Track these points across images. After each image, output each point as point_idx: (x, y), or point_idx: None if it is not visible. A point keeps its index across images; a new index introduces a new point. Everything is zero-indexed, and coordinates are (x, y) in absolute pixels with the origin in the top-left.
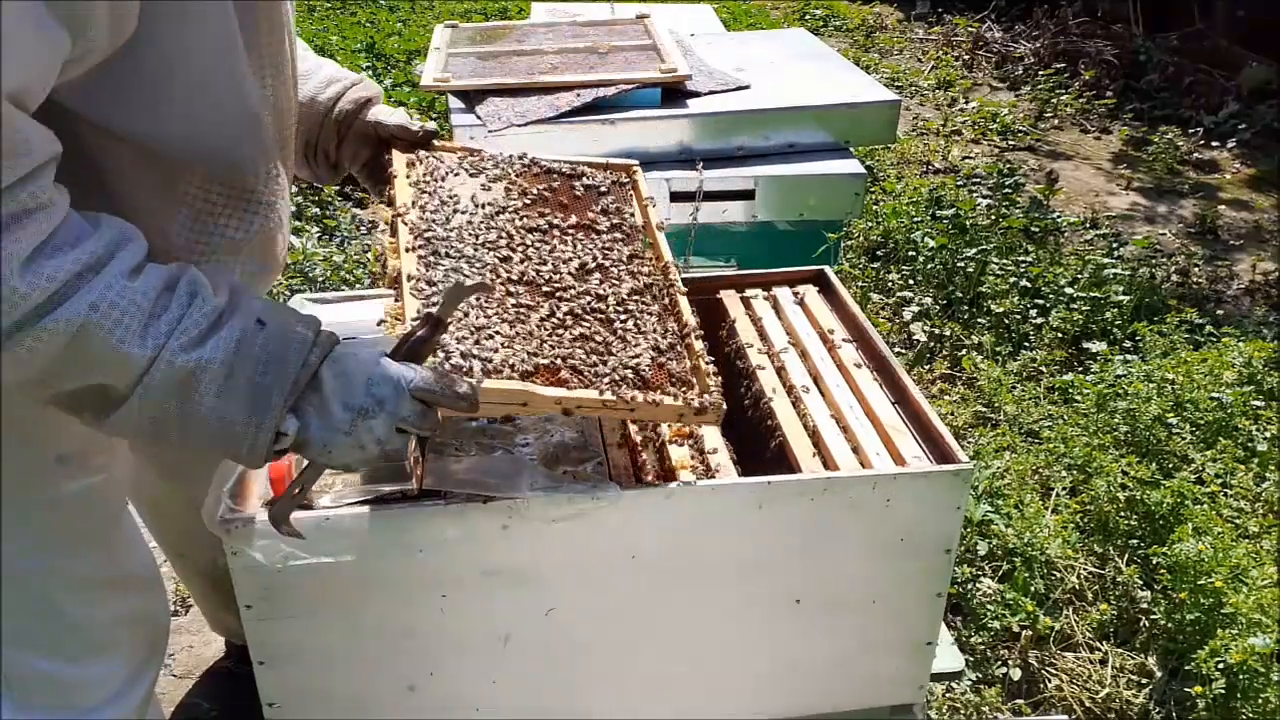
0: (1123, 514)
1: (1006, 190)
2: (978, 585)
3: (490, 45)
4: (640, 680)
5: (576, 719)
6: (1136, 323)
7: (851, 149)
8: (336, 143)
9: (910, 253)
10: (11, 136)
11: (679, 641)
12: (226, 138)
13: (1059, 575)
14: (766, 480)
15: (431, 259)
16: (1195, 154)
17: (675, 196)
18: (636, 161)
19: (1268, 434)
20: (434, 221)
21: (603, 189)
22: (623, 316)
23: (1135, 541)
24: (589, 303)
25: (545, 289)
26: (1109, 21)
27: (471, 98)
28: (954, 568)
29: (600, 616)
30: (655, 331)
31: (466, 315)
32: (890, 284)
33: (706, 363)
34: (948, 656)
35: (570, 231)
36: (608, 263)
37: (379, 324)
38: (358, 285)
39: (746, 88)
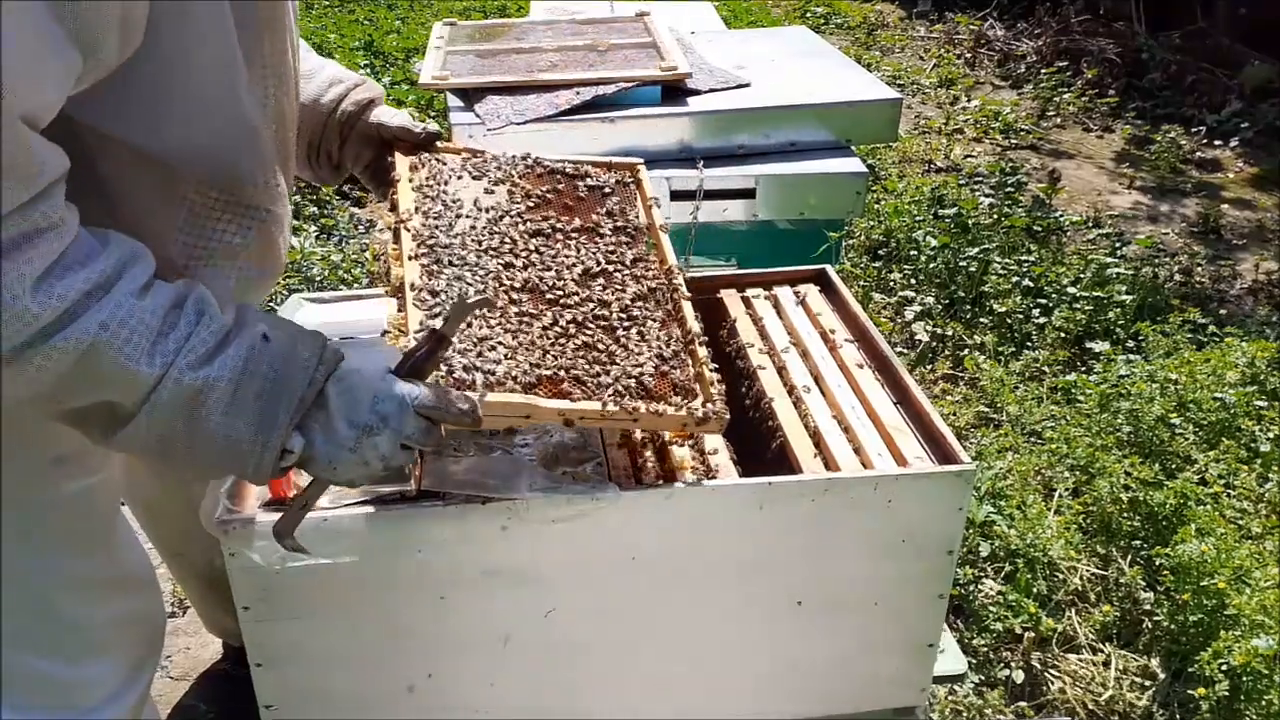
0: (1125, 515)
1: (1009, 189)
2: (980, 587)
3: (489, 43)
4: (640, 681)
5: (576, 719)
6: (1139, 322)
7: (853, 148)
8: (339, 144)
9: (912, 252)
10: (26, 156)
11: (679, 642)
12: (224, 150)
13: (1061, 576)
14: (767, 481)
15: (434, 267)
16: (1198, 153)
17: (676, 195)
18: (641, 160)
19: (1271, 434)
20: (437, 228)
21: (606, 190)
22: (626, 324)
23: (1138, 542)
24: (592, 309)
25: (549, 296)
26: (1111, 20)
27: (470, 95)
28: (956, 569)
29: (600, 617)
30: (659, 339)
31: (469, 326)
32: (892, 283)
33: (710, 370)
34: (950, 658)
35: (574, 235)
36: (611, 267)
37: (383, 335)
38: (356, 284)
39: (747, 86)
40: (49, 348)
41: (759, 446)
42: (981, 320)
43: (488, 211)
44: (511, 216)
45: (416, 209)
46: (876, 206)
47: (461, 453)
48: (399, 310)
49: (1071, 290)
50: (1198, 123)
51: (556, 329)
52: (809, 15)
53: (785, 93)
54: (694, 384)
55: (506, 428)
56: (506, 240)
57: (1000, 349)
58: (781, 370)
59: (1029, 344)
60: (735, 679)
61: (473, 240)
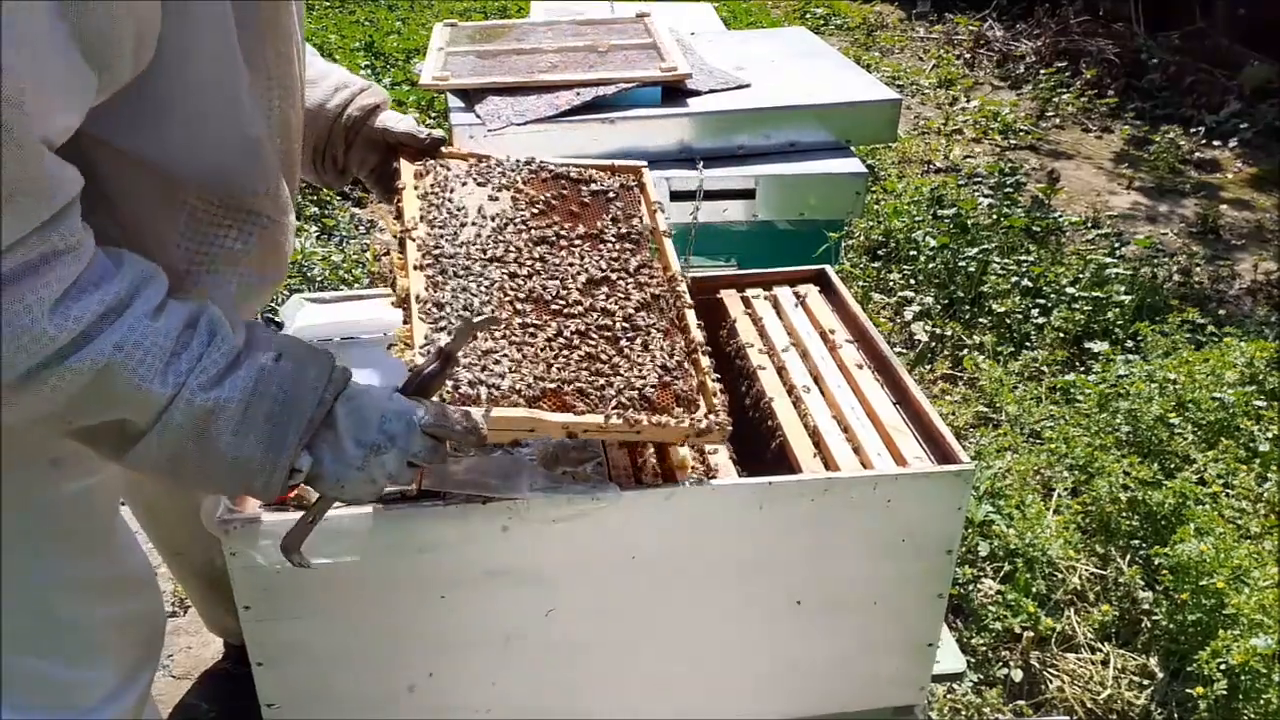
0: (1124, 514)
1: (1008, 189)
2: (979, 586)
3: (490, 44)
4: (640, 680)
5: (576, 719)
6: (1138, 322)
7: (852, 148)
8: (344, 149)
9: (911, 252)
10: (44, 177)
11: (679, 642)
12: (226, 160)
13: (1060, 576)
14: (767, 481)
15: (440, 278)
16: (1197, 153)
17: (675, 196)
18: (644, 164)
19: (1270, 434)
20: (442, 237)
21: (610, 194)
22: (629, 333)
23: (1137, 542)
24: (596, 319)
25: (553, 306)
26: (1110, 20)
27: (471, 96)
28: (955, 568)
29: (600, 617)
30: (661, 349)
31: (474, 339)
32: (891, 283)
33: (713, 380)
34: (949, 657)
35: (578, 243)
36: (615, 275)
37: (389, 348)
38: (356, 285)
39: (747, 86)
40: (64, 369)
41: (759, 446)
42: (980, 320)
43: (492, 219)
44: (516, 224)
45: (422, 218)
46: (876, 207)
47: (462, 453)
48: (405, 322)
49: (1070, 290)
50: (1197, 123)
51: (560, 340)
52: (809, 16)
53: (785, 93)
54: (696, 394)
55: (511, 440)
56: (511, 249)
57: (999, 349)
58: (781, 370)
59: (1028, 344)
60: (735, 679)
61: (477, 249)
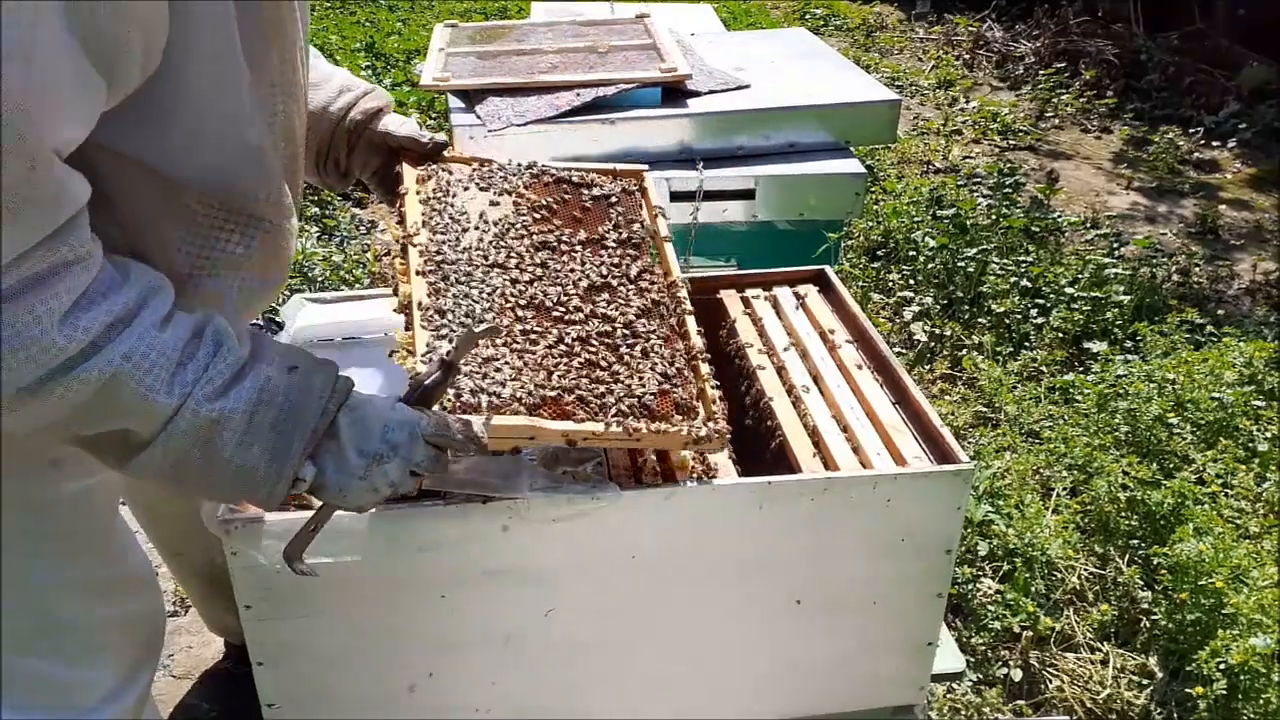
0: (1123, 514)
1: (1007, 190)
2: (978, 586)
3: (490, 45)
4: (640, 680)
5: (576, 719)
6: (1137, 323)
7: (852, 149)
8: (346, 152)
9: (911, 252)
10: (52, 187)
11: (679, 642)
12: (228, 166)
13: (1060, 576)
14: (767, 480)
15: (441, 285)
16: (1196, 154)
17: (675, 196)
18: (646, 167)
19: (1268, 434)
20: (444, 243)
21: (612, 199)
22: (630, 340)
23: (1136, 542)
24: (596, 326)
25: (554, 313)
26: (1109, 21)
27: (471, 97)
28: (954, 568)
29: (600, 616)
30: (662, 356)
31: (476, 348)
32: (891, 284)
33: (712, 387)
34: (948, 657)
35: (579, 248)
36: (615, 281)
37: (390, 355)
38: (357, 285)
39: (747, 87)
40: (71, 378)
41: (758, 446)
42: (980, 320)
43: (494, 225)
44: (517, 229)
45: (424, 223)
46: (875, 207)
47: (463, 457)
48: (406, 329)
49: (1069, 290)
50: (1196, 124)
51: (561, 347)
52: (808, 17)
53: (785, 94)
54: (696, 402)
55: (511, 448)
56: (513, 255)
57: (998, 349)
58: (781, 370)
59: (1027, 344)
60: (735, 679)
61: (479, 255)
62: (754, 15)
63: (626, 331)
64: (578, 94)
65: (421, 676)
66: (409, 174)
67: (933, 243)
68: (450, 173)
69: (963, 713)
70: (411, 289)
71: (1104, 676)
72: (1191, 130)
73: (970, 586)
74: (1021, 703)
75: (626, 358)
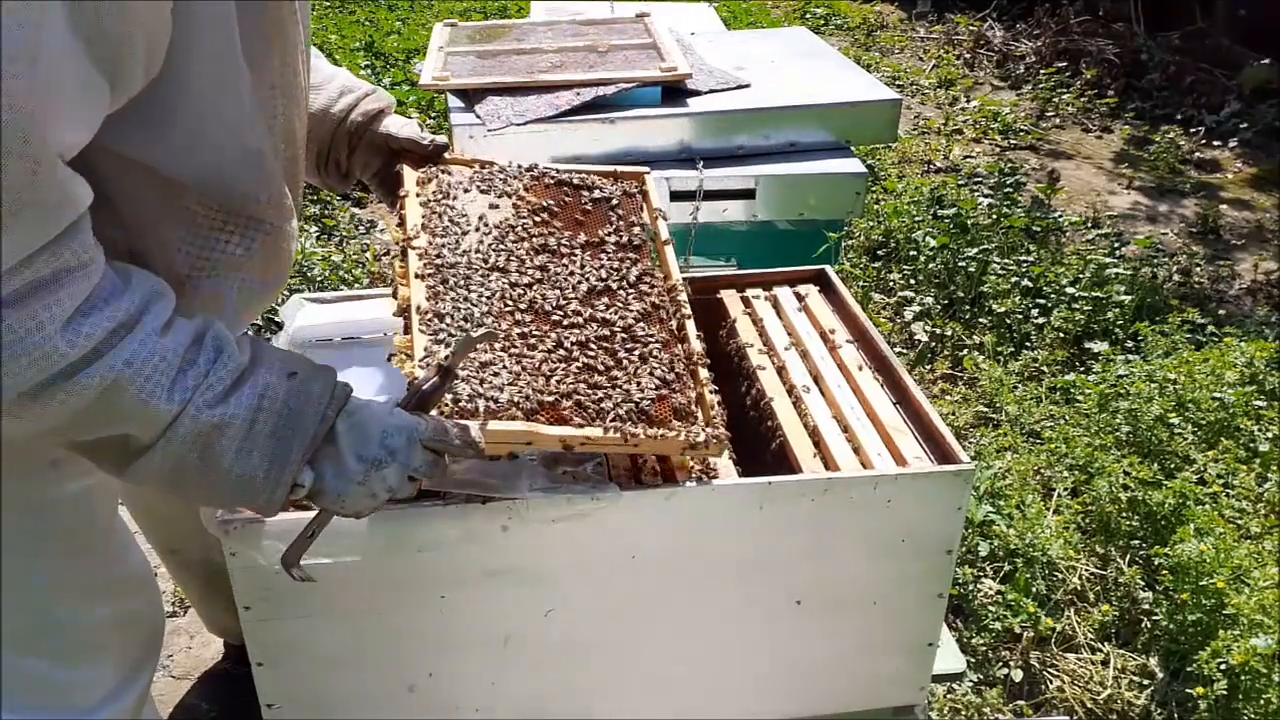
0: (1124, 514)
1: (1008, 189)
2: (979, 586)
3: (490, 44)
4: (640, 680)
5: (576, 719)
6: (1138, 322)
7: (852, 148)
8: (347, 153)
9: (911, 252)
10: (55, 191)
11: (679, 642)
12: (228, 168)
13: (1060, 576)
14: (767, 481)
15: (440, 288)
16: (1197, 153)
17: (675, 196)
18: (647, 170)
19: (1270, 434)
20: (444, 246)
21: (613, 202)
22: (629, 345)
23: (1137, 542)
24: (595, 330)
25: (553, 317)
26: (1110, 20)
27: (471, 96)
28: (955, 568)
29: (600, 617)
30: (661, 361)
31: (474, 352)
32: (891, 283)
33: (711, 392)
34: (949, 657)
35: (579, 251)
36: (615, 285)
37: (389, 359)
38: (356, 285)
39: (747, 87)
40: (72, 384)
41: (759, 446)
42: (980, 320)
43: (494, 228)
44: (517, 232)
45: (424, 226)
46: (876, 207)
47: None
48: (405, 333)
49: (1070, 290)
50: (1197, 123)
51: (560, 352)
52: (809, 16)
53: (785, 94)
54: (694, 407)
55: (508, 453)
56: (513, 258)
57: (999, 349)
58: (781, 370)
59: (1028, 344)
60: (735, 679)
61: (479, 258)
62: (754, 14)
63: (625, 336)
64: (577, 93)
65: (421, 676)
66: (409, 176)
67: (933, 242)
68: (450, 175)
69: (963, 713)
70: (410, 292)
71: (1105, 677)
72: (1192, 130)
73: (971, 587)
74: (1022, 703)
75: (625, 362)
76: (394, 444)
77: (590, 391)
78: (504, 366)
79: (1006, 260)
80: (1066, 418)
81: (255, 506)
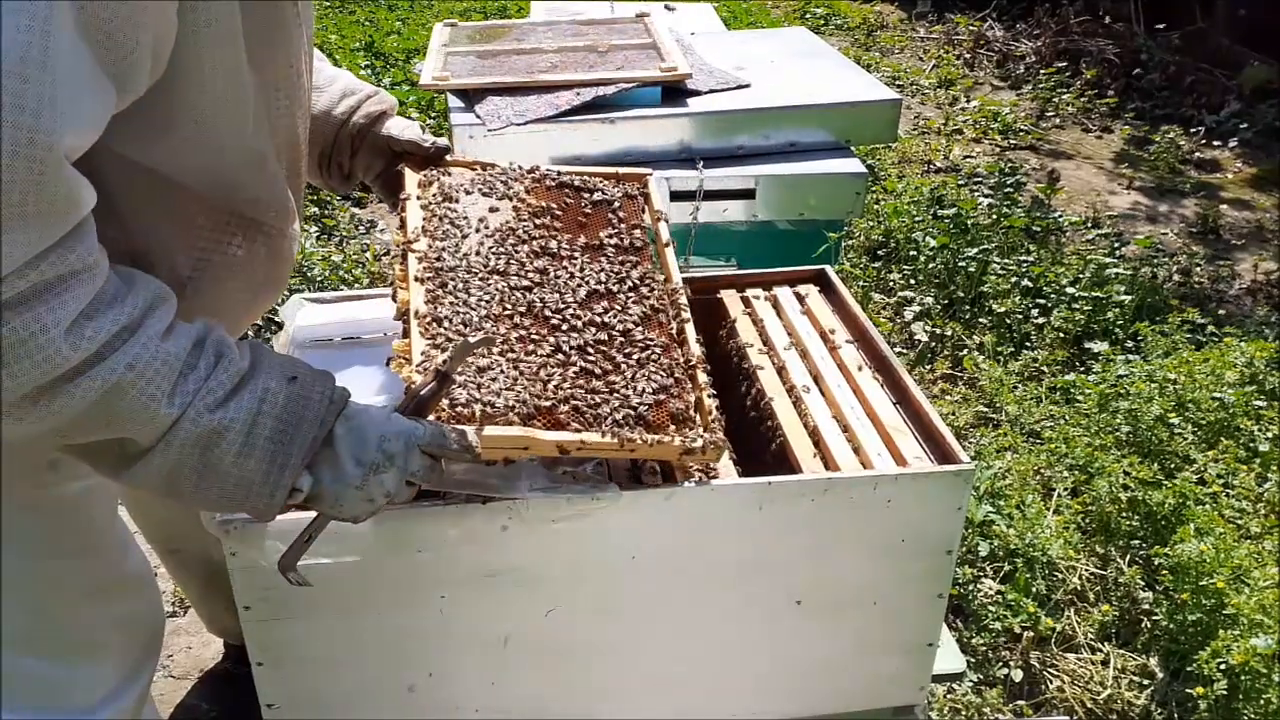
0: (1124, 514)
1: (1008, 189)
2: (979, 586)
3: (489, 44)
4: (640, 680)
5: (576, 719)
6: (1138, 322)
7: (852, 148)
8: (349, 155)
9: (911, 252)
10: (61, 193)
11: (679, 642)
12: (231, 172)
13: (1060, 576)
14: (767, 481)
15: (439, 292)
16: (1197, 153)
17: (675, 196)
18: (650, 172)
19: (1270, 434)
20: (444, 249)
21: (614, 204)
22: (627, 349)
23: (1137, 542)
24: (594, 334)
25: (552, 321)
26: (1110, 20)
27: (471, 96)
28: (955, 568)
29: (600, 617)
30: (660, 365)
31: (471, 356)
32: (891, 283)
33: (710, 397)
34: (949, 657)
35: (579, 254)
36: (615, 288)
37: (387, 363)
38: (356, 285)
39: (747, 87)
40: (74, 387)
41: (759, 446)
42: (980, 320)
43: (495, 231)
44: (518, 235)
45: (424, 230)
46: (876, 207)
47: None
48: (404, 336)
49: (1070, 290)
50: (1197, 123)
51: (558, 356)
52: (809, 16)
53: (785, 94)
54: (693, 412)
55: (504, 457)
56: (513, 261)
57: (999, 349)
58: (781, 370)
59: (1028, 344)
60: (735, 679)
61: (479, 261)
62: (754, 14)
63: (624, 340)
64: (577, 93)
65: (421, 676)
66: (410, 178)
67: (933, 242)
68: (451, 177)
69: (963, 713)
70: (409, 296)
71: (1105, 677)
72: (1192, 130)
73: (971, 587)
74: (1022, 703)
75: (623, 367)
76: (392, 449)
77: (588, 396)
78: (502, 371)
79: (1006, 260)
80: (1066, 418)
81: (253, 511)
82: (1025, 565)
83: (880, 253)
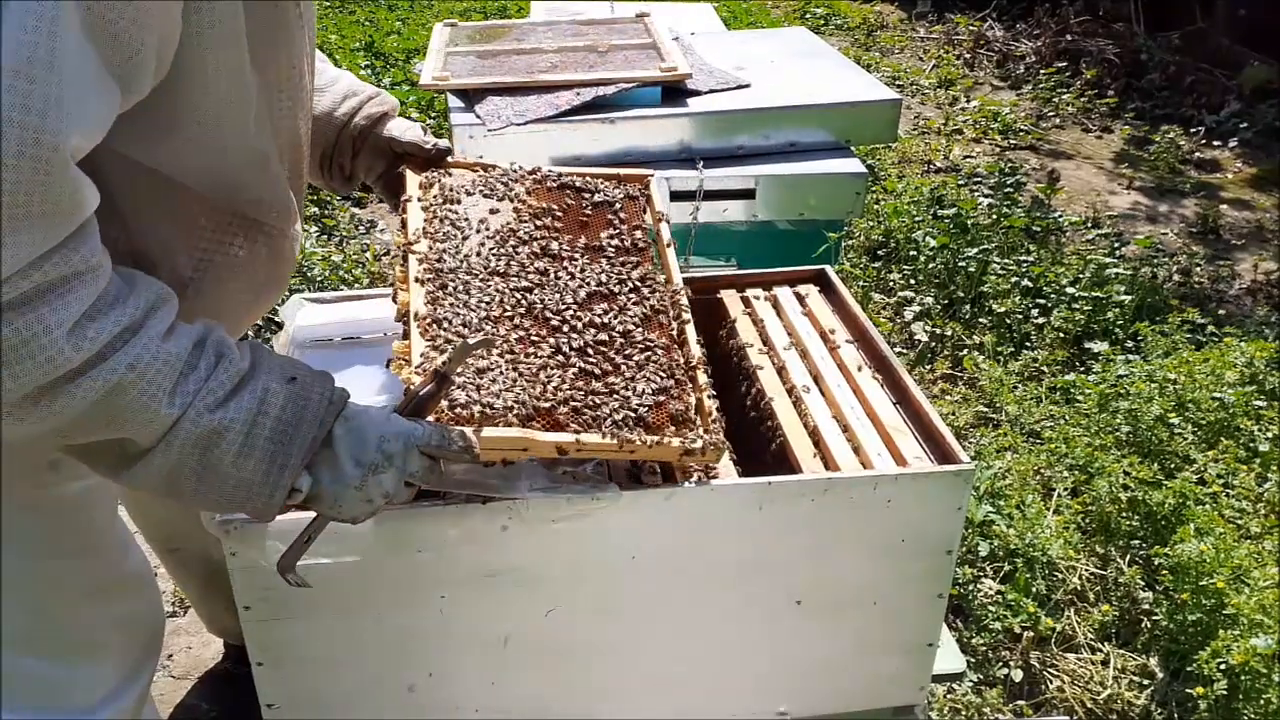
0: (1124, 514)
1: (1008, 189)
2: (979, 586)
3: (489, 44)
4: (640, 680)
5: (576, 719)
6: (1138, 322)
7: (852, 148)
8: (351, 156)
9: (911, 252)
10: (65, 193)
11: (679, 642)
12: (233, 172)
13: (1060, 576)
14: (767, 481)
15: (439, 294)
16: (1197, 153)
17: (676, 196)
18: (651, 173)
19: (1269, 434)
20: (444, 251)
21: (616, 205)
22: (627, 350)
23: (1137, 542)
24: (594, 335)
25: (552, 322)
26: (1110, 20)
27: (471, 96)
28: (955, 568)
29: (600, 617)
30: (660, 366)
31: (470, 357)
32: (891, 283)
33: (710, 398)
34: (949, 657)
35: (580, 255)
36: (616, 288)
37: (387, 364)
38: (356, 284)
39: (747, 86)
40: (75, 387)
41: (759, 446)
42: (980, 320)
43: (496, 232)
44: (519, 236)
45: (425, 231)
46: (876, 207)
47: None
48: (404, 338)
49: (1070, 290)
50: (1197, 123)
51: (558, 358)
52: (809, 16)
53: (785, 94)
54: (693, 413)
55: (504, 458)
56: (514, 263)
57: (999, 349)
58: (781, 370)
59: (1028, 344)
60: (735, 679)
61: (479, 263)
62: (754, 14)
63: (624, 341)
64: (577, 93)
65: (421, 676)
66: (411, 180)
67: (933, 242)
68: (453, 179)
69: (963, 713)
70: (409, 297)
71: (1105, 677)
72: (1192, 130)
73: (971, 587)
74: (1022, 703)
75: (623, 368)
76: (391, 449)
77: (588, 398)
78: (501, 373)
79: (1006, 260)
80: (1066, 418)
81: (253, 511)
82: (1025, 565)
83: (880, 253)
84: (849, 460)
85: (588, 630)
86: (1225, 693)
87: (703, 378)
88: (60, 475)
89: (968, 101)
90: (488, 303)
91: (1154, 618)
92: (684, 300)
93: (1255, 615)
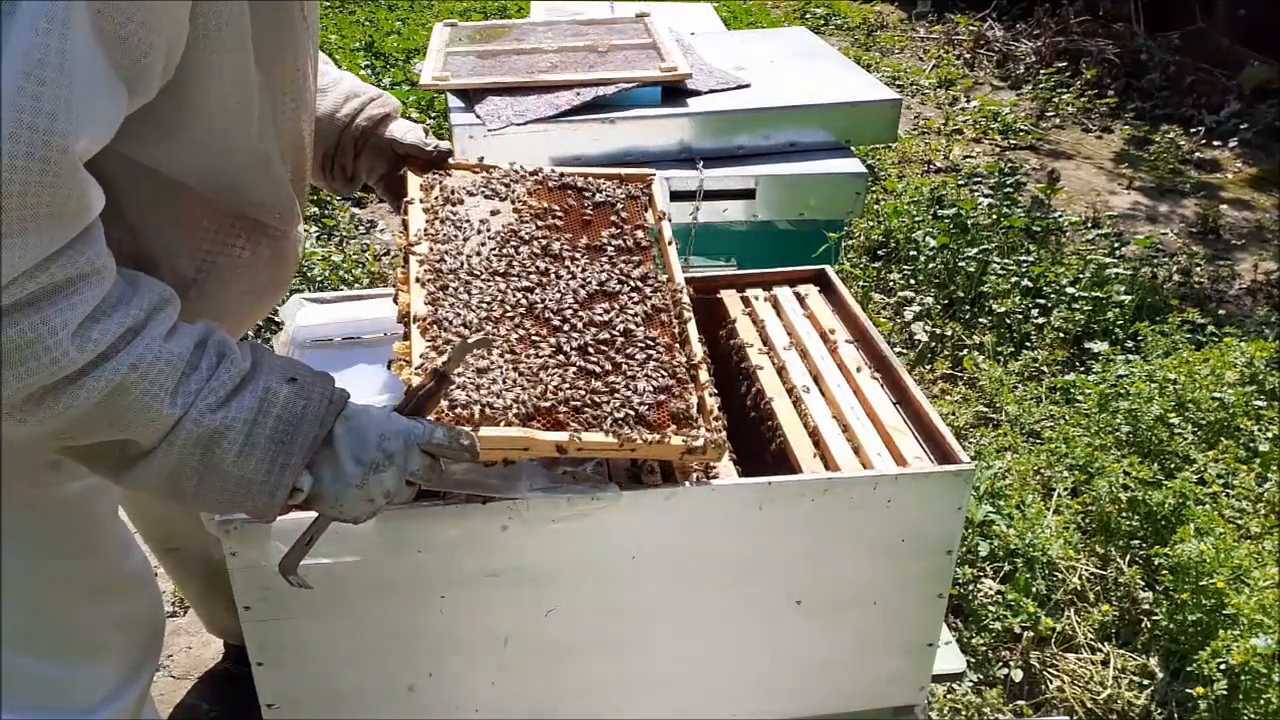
0: (1124, 514)
1: (1008, 189)
2: (979, 586)
3: (489, 44)
4: (640, 680)
5: (576, 719)
6: (1138, 322)
7: (852, 148)
8: (353, 157)
9: (911, 252)
10: (72, 195)
11: (679, 642)
12: (236, 174)
13: (1060, 576)
14: (767, 481)
15: (440, 295)
16: (1197, 153)
17: (676, 196)
18: (653, 173)
19: (1270, 434)
20: (445, 252)
21: (617, 205)
22: (628, 349)
23: (1137, 542)
24: (595, 334)
25: (553, 322)
26: (1110, 20)
27: (471, 96)
28: (955, 568)
29: (600, 617)
30: (661, 365)
31: (470, 357)
32: (891, 283)
33: (712, 396)
34: (949, 657)
35: (581, 255)
36: (617, 287)
37: (387, 365)
38: (356, 284)
39: (747, 86)
40: (77, 388)
41: (759, 446)
42: (980, 320)
43: (497, 233)
44: (519, 236)
45: (426, 233)
46: (876, 207)
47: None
48: (405, 338)
49: (1070, 290)
50: (1197, 123)
51: (559, 356)
52: (809, 16)
53: (785, 94)
54: (694, 412)
55: (504, 458)
56: (515, 263)
57: (999, 349)
58: (781, 370)
59: (1028, 344)
60: (735, 679)
61: (480, 263)
62: (754, 14)
63: (625, 340)
64: (577, 93)
65: (421, 676)
66: (413, 181)
67: (933, 242)
68: (454, 179)
69: (963, 713)
70: (410, 299)
71: (1105, 677)
72: (1192, 130)
73: (971, 587)
74: (1022, 703)
75: (625, 367)
76: (391, 448)
77: (589, 397)
78: (501, 372)
79: (1006, 260)
80: (1066, 418)
81: (254, 511)
82: (1025, 565)
83: (880, 253)
84: (849, 460)
85: (588, 630)
86: (1225, 693)
87: (705, 376)
88: (60, 475)
89: (968, 101)
90: (488, 303)
91: (1154, 618)
92: (686, 299)
93: (1255, 615)
